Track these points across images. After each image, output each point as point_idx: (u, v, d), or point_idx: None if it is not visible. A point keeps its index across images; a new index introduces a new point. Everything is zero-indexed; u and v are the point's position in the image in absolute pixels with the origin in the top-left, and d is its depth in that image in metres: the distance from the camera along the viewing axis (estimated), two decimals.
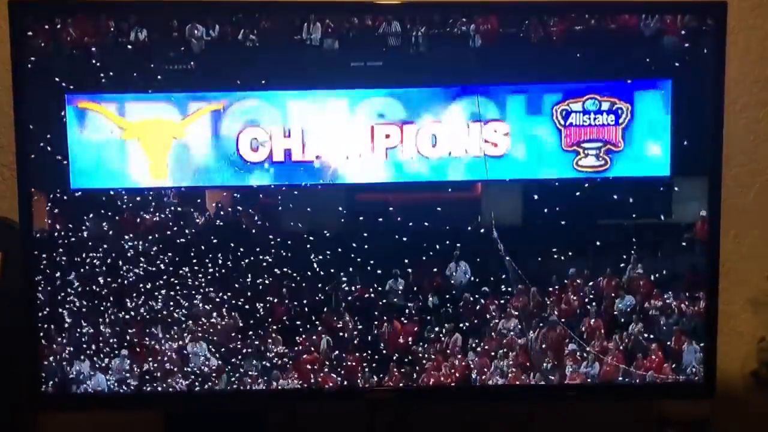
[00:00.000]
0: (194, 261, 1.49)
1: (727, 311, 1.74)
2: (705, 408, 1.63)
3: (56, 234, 1.48)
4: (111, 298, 1.50)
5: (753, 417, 1.75)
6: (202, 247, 1.49)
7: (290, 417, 1.71)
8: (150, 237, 1.49)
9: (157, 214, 1.48)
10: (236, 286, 1.50)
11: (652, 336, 1.53)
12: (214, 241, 1.49)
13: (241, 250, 1.49)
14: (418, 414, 1.65)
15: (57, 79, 1.45)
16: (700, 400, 1.59)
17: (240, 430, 1.65)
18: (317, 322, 1.52)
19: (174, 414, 1.62)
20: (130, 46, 1.45)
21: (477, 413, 1.76)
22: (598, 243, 1.51)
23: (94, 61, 1.45)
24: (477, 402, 1.67)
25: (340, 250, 1.50)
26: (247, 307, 1.51)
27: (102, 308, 1.50)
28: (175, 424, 1.62)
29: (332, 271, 1.50)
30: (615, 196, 1.49)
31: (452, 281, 1.52)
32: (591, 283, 1.52)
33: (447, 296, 1.52)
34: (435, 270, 1.51)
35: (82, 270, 1.49)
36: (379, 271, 1.51)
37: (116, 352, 1.51)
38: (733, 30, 1.51)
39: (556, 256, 1.51)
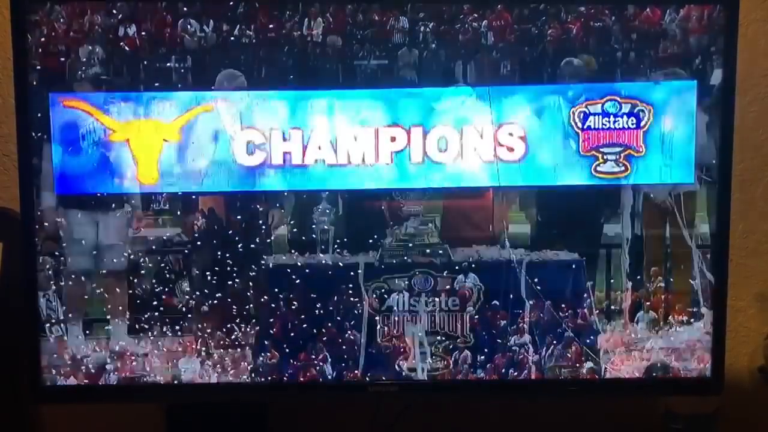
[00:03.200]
0: (194, 262, 1.46)
1: (735, 307, 1.74)
2: (712, 403, 1.62)
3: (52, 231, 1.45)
4: (112, 291, 1.47)
5: (760, 412, 1.76)
6: (199, 248, 1.46)
7: (292, 411, 1.71)
8: (144, 238, 1.46)
9: (145, 219, 1.45)
10: (235, 289, 1.46)
11: (661, 337, 1.50)
12: (209, 245, 1.46)
13: (237, 254, 1.46)
14: (420, 409, 1.65)
15: (43, 75, 1.41)
16: (707, 396, 1.57)
17: (242, 424, 1.63)
18: (318, 333, 1.48)
19: (176, 407, 1.61)
20: (120, 43, 1.41)
21: (479, 407, 1.76)
22: (613, 250, 1.48)
23: (82, 58, 1.41)
24: (480, 396, 1.64)
25: (342, 257, 1.46)
26: (244, 314, 1.47)
27: (103, 301, 1.47)
28: (176, 417, 1.61)
29: (334, 280, 1.47)
30: (633, 203, 1.45)
31: (460, 293, 1.48)
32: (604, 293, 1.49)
33: (455, 309, 1.48)
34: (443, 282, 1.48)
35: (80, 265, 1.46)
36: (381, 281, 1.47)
37: (117, 344, 1.47)
38: (741, 23, 1.46)
39: (569, 266, 1.48)
